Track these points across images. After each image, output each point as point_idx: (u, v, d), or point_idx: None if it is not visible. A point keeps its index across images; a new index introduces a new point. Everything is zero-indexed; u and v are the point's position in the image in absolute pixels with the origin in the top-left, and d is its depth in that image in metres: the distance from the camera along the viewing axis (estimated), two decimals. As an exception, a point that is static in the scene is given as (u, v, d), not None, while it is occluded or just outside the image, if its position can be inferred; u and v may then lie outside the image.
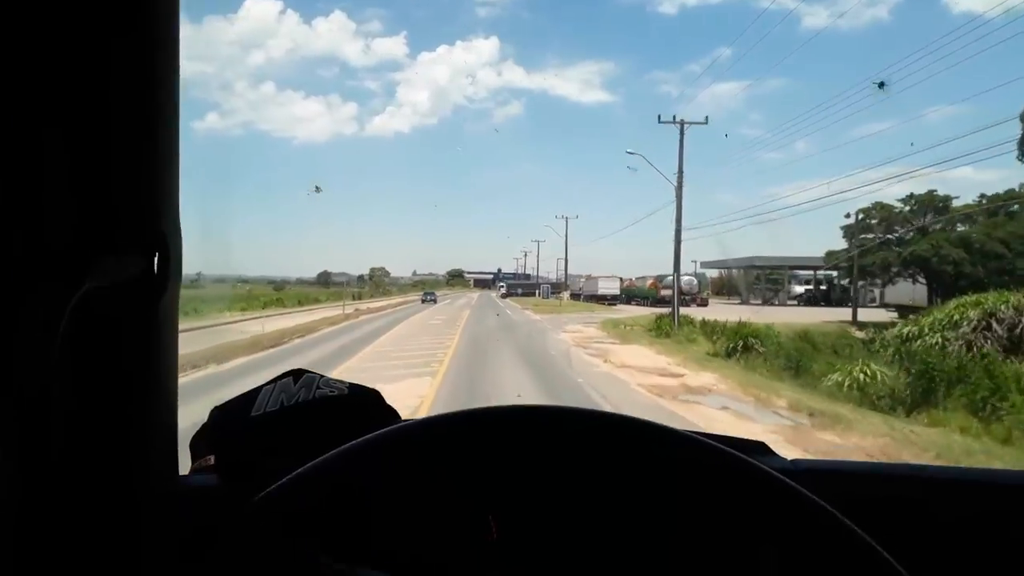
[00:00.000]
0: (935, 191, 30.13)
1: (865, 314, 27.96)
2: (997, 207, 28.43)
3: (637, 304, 43.99)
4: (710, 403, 10.53)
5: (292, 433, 0.75)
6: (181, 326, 0.64)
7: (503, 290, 71.69)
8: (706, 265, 48.81)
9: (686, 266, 26.12)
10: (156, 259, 0.56)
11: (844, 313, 29.09)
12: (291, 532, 0.60)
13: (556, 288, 63.82)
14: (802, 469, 0.83)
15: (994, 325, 14.26)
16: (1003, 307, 14.37)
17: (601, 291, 51.57)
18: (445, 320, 29.95)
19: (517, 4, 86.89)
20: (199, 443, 0.82)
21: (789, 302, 43.14)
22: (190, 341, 13.62)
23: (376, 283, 75.25)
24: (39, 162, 0.52)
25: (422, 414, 1.10)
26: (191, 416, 0.81)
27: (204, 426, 0.82)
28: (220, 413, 0.81)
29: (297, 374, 0.83)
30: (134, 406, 0.57)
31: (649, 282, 46.06)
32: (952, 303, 15.64)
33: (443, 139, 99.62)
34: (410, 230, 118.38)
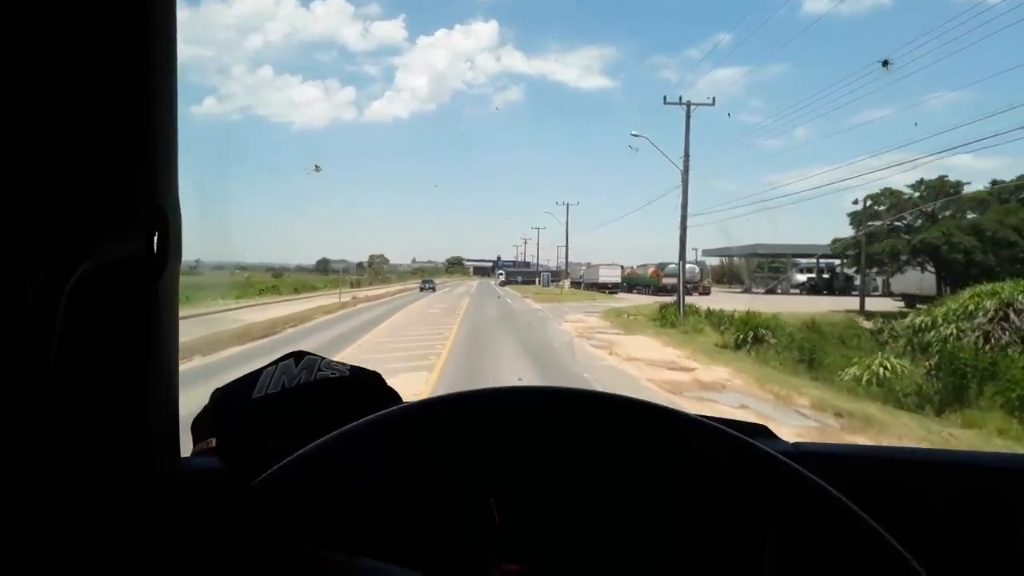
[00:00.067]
0: (946, 176, 29.44)
1: (870, 303, 27.58)
2: (1009, 194, 27.76)
3: (638, 292, 43.90)
4: (727, 401, 9.92)
5: (293, 415, 0.75)
6: None
7: (502, 278, 71.32)
8: (707, 253, 48.53)
9: (687, 254, 25.47)
10: (156, 238, 0.56)
11: (848, 302, 28.67)
12: (289, 518, 0.58)
13: (556, 276, 63.45)
14: (804, 452, 0.83)
15: (1011, 316, 13.72)
16: (1021, 297, 13.80)
17: (602, 279, 51.38)
18: (444, 309, 29.32)
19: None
20: (200, 425, 0.83)
21: (792, 290, 42.76)
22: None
23: (375, 270, 74.78)
24: (39, 143, 0.52)
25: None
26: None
27: (205, 408, 0.82)
28: (221, 395, 0.81)
29: (298, 356, 0.83)
30: (135, 388, 0.57)
31: (651, 270, 45.81)
32: (967, 292, 15.09)
33: (442, 125, 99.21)
34: (409, 217, 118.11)
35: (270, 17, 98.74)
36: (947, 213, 29.24)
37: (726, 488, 0.63)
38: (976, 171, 67.96)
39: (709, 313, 21.90)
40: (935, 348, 13.21)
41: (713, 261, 54.77)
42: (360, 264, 74.99)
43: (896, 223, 30.22)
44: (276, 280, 47.46)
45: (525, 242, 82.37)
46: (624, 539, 0.67)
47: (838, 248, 33.74)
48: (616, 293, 46.37)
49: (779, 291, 43.07)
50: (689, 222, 24.44)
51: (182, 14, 0.61)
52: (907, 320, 15.92)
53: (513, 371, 12.03)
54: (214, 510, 0.58)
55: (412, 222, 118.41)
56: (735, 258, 52.71)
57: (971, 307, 14.14)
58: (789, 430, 8.04)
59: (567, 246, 56.90)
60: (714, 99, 25.87)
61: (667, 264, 40.76)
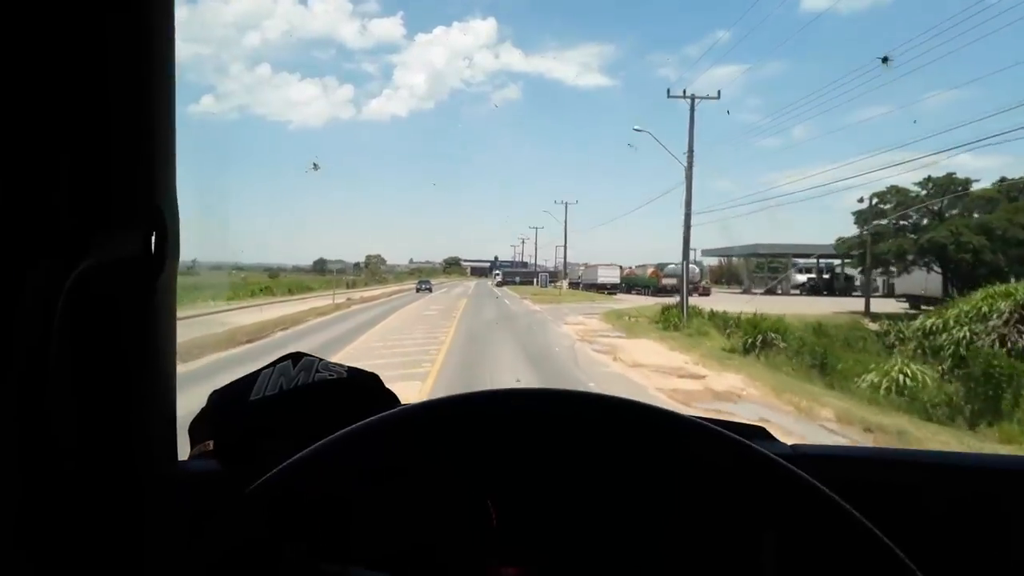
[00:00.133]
0: (954, 174, 28.78)
1: (874, 304, 27.10)
2: (1018, 191, 27.14)
3: (638, 293, 43.50)
4: (745, 413, 9.19)
5: (291, 417, 0.75)
6: None
7: (498, 278, 70.58)
8: (707, 253, 47.96)
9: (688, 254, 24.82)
10: (153, 237, 0.56)
11: (851, 303, 28.11)
12: (285, 524, 0.58)
13: (554, 276, 62.83)
14: (802, 454, 0.84)
15: (1028, 318, 13.09)
16: (1037, 298, 13.20)
17: (601, 280, 50.87)
18: (440, 311, 28.62)
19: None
20: (198, 428, 0.81)
21: (792, 291, 42.23)
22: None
23: (372, 271, 73.99)
24: (36, 141, 0.52)
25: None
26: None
27: (203, 411, 0.81)
28: (219, 397, 0.80)
29: (296, 357, 0.82)
30: (132, 389, 0.57)
31: (650, 271, 45.45)
32: (979, 293, 14.53)
33: (440, 123, 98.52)
34: (407, 218, 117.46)
35: (268, 15, 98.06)
36: (954, 212, 28.63)
37: (724, 490, 0.63)
38: (975, 170, 67.47)
39: (712, 315, 21.28)
40: (947, 351, 12.67)
41: (711, 261, 54.28)
42: (357, 265, 74.26)
43: (902, 222, 29.59)
44: (270, 281, 46.73)
45: (523, 242, 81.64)
46: (622, 541, 0.67)
47: (842, 247, 33.05)
48: (615, 294, 45.89)
49: (779, 292, 42.59)
50: (692, 220, 23.82)
51: (180, 12, 0.61)
52: (916, 322, 15.43)
53: (513, 379, 11.31)
54: (212, 513, 0.58)
55: (409, 222, 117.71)
56: (734, 258, 52.14)
57: (984, 309, 13.58)
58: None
59: (565, 246, 56.25)
60: (719, 92, 25.31)
61: (666, 265, 40.31)
